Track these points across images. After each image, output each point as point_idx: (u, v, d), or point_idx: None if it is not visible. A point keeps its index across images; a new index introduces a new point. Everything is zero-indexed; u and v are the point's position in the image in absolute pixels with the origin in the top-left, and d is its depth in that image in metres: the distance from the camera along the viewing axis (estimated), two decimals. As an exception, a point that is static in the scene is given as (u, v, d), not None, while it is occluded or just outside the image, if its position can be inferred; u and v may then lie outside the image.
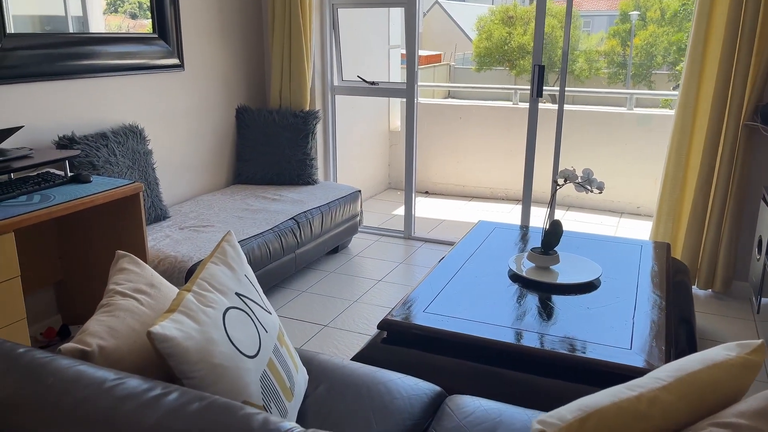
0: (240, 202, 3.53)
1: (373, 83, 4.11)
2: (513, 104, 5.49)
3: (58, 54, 2.79)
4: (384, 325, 2.11)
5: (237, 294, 1.37)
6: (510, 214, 5.12)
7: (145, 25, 3.27)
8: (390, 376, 1.68)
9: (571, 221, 4.93)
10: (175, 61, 3.40)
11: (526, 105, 5.51)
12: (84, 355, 1.14)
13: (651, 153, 4.94)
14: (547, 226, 2.48)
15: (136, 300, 1.34)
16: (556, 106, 5.09)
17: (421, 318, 2.11)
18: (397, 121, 5.85)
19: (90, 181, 2.51)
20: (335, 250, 3.95)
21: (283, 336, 1.50)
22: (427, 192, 5.76)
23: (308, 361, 1.72)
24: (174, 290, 1.48)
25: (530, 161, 3.78)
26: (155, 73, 3.30)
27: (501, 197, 5.53)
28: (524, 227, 3.12)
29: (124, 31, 3.17)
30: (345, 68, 4.30)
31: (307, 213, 3.44)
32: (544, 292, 2.34)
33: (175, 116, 3.49)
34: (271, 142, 3.89)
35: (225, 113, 3.87)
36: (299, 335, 2.88)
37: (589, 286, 2.38)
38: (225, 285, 1.36)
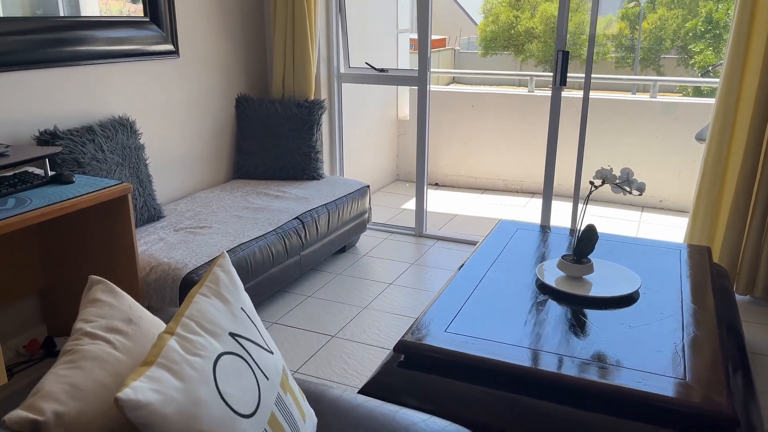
0: (240, 200, 3.28)
1: (382, 70, 3.84)
2: (528, 91, 5.21)
3: (39, 40, 2.53)
4: (401, 347, 1.87)
5: (231, 335, 1.13)
6: (526, 208, 4.86)
7: (140, 9, 3.01)
8: (412, 417, 1.44)
9: (589, 216, 4.68)
10: (169, 47, 3.14)
11: (542, 93, 5.24)
12: (36, 429, 0.90)
13: (674, 143, 4.67)
14: (580, 231, 2.23)
15: (108, 343, 1.10)
16: (573, 94, 4.82)
17: (442, 339, 1.87)
18: (405, 110, 5.58)
19: (73, 182, 2.26)
20: (342, 250, 3.70)
21: (288, 380, 1.26)
22: (437, 184, 5.50)
23: (317, 399, 1.49)
24: (158, 325, 1.23)
25: (552, 154, 3.52)
26: (147, 60, 3.04)
27: (515, 189, 5.27)
28: (549, 228, 2.87)
29: (111, 15, 2.90)
30: (352, 54, 4.02)
31: (312, 212, 3.19)
32: (579, 306, 2.09)
33: (170, 107, 3.24)
34: (273, 133, 3.63)
35: (224, 103, 3.61)
36: (304, 347, 2.65)
37: (628, 300, 2.13)
38: (217, 324, 1.12)
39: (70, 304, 2.58)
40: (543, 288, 2.22)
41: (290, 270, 3.04)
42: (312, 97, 3.72)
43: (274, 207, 3.17)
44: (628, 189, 2.15)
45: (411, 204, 4.86)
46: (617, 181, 2.12)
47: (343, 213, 3.44)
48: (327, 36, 3.85)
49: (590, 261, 2.23)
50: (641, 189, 2.14)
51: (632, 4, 22.15)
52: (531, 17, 24.20)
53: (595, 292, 2.16)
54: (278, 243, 2.90)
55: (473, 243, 3.84)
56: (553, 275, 2.28)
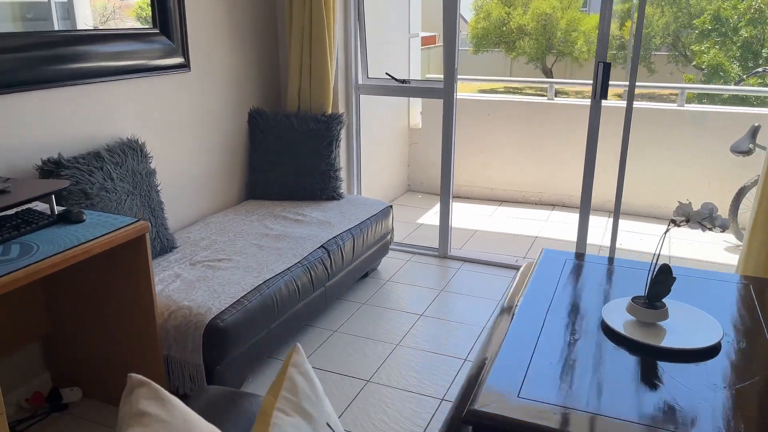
0: (257, 225, 3.03)
1: (403, 81, 3.60)
2: (548, 99, 4.98)
3: (36, 58, 2.25)
4: (470, 418, 1.63)
5: (323, 468, 0.89)
6: (549, 223, 4.63)
7: (131, 6, 2.73)
8: None
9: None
10: (179, 60, 2.87)
11: (563, 101, 5.02)
12: None
13: (704, 154, 4.46)
14: (655, 272, 2.00)
15: (166, 484, 0.85)
16: (574, 101, 4.56)
17: (517, 408, 1.64)
18: (417, 117, 5.33)
19: (83, 220, 2.00)
20: (364, 275, 3.46)
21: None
22: (450, 195, 5.26)
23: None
24: (218, 441, 0.99)
25: (590, 170, 3.31)
26: (156, 75, 2.77)
27: (534, 201, 5.05)
28: (603, 259, 2.65)
29: (116, 28, 2.64)
30: (370, 63, 3.77)
31: (337, 239, 2.95)
32: (655, 358, 1.87)
33: (179, 125, 2.97)
34: (289, 151, 3.37)
35: (236, 118, 3.35)
36: (338, 395, 2.40)
37: (710, 352, 1.91)
38: (305, 455, 0.87)
39: (77, 349, 2.32)
40: (612, 336, 2.00)
41: (315, 303, 2.80)
42: (330, 111, 3.46)
43: (295, 234, 2.92)
44: (709, 226, 1.93)
45: (427, 219, 4.63)
46: (701, 219, 1.90)
47: (368, 237, 3.19)
48: (345, 45, 3.60)
49: (665, 305, 2.01)
50: (724, 226, 1.93)
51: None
52: (523, 14, 23.99)
53: (672, 342, 1.93)
54: (304, 275, 2.65)
55: (503, 266, 3.61)
56: (620, 319, 2.05)
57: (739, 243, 4.21)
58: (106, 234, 1.92)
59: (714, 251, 4.12)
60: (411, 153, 5.32)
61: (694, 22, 11.41)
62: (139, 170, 2.55)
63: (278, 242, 2.82)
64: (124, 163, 2.48)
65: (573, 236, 4.30)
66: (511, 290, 2.69)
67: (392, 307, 3.11)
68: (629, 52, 22.38)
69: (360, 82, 3.70)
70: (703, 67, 10.04)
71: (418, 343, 2.77)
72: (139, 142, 2.61)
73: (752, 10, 10.08)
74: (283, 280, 2.53)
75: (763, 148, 4.03)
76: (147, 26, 2.72)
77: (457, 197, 5.25)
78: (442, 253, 3.72)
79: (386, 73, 3.67)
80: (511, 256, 3.83)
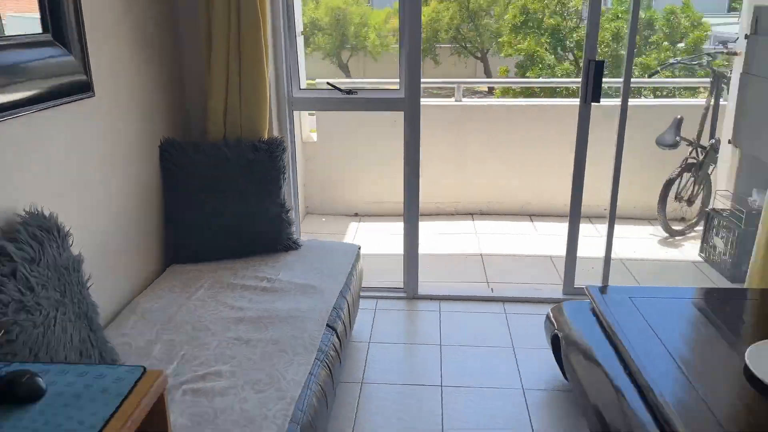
0: (215, 305, 2.16)
1: (349, 92, 2.90)
2: (455, 101, 4.57)
3: None
4: None
5: None
6: (480, 236, 4.24)
7: None
8: None
9: (540, 237, 4.24)
10: (81, 77, 1.90)
11: (473, 101, 4.68)
12: None
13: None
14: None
15: None
16: (487, 101, 4.28)
17: None
18: (309, 130, 4.62)
19: (44, 391, 1.09)
20: (339, 339, 2.74)
21: None
22: (356, 214, 4.65)
23: None
24: None
25: (578, 181, 2.97)
26: (51, 108, 1.78)
27: (450, 212, 4.63)
28: (666, 291, 2.28)
29: (-10, 32, 1.62)
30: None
31: (337, 310, 2.21)
32: None
33: (85, 174, 2.00)
34: (223, 193, 2.52)
35: (146, 155, 2.40)
36: None
37: None
38: None
39: None
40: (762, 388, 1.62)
41: (330, 403, 2.05)
42: (266, 135, 2.66)
43: (279, 311, 2.12)
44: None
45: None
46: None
47: (354, 294, 2.49)
48: (275, 49, 2.79)
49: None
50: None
51: None
52: (315, 8, 23.76)
53: None
54: (323, 372, 1.90)
55: (481, 299, 3.11)
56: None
57: (666, 235, 4.22)
58: (114, 413, 1.04)
59: (652, 246, 4.08)
60: (306, 170, 4.58)
61: (506, 16, 12.11)
62: (63, 263, 1.59)
63: (266, 330, 2.01)
64: (41, 257, 1.51)
65: (520, 248, 3.98)
66: (564, 343, 2.22)
67: (400, 381, 2.45)
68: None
69: (294, 95, 2.92)
70: (522, 54, 10.66)
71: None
72: (49, 215, 1.63)
73: (555, 3, 10.90)
74: (312, 391, 1.76)
75: (689, 141, 4.05)
76: (37, 32, 1.72)
77: (363, 216, 4.64)
78: (411, 293, 3.11)
79: (327, 83, 2.95)
80: (480, 284, 3.38)
